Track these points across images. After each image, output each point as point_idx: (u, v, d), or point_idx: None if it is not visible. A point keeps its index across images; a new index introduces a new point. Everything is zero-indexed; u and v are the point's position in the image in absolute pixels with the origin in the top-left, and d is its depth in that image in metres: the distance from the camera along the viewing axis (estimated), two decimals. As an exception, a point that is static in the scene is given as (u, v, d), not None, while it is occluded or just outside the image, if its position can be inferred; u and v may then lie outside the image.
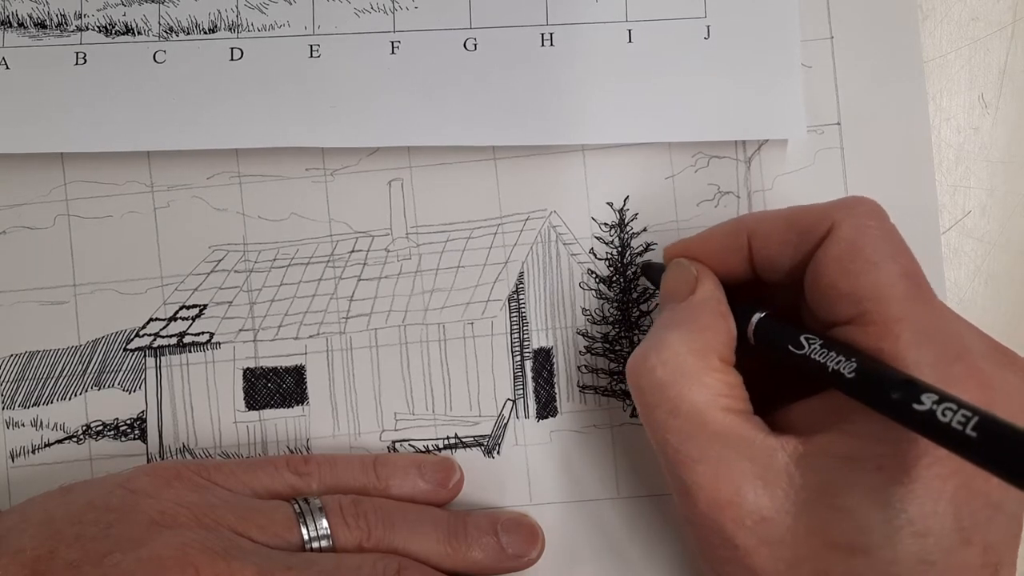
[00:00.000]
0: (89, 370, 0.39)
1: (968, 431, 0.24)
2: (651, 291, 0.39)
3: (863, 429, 0.28)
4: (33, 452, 0.39)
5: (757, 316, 0.32)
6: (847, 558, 0.28)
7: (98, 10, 0.39)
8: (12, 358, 0.39)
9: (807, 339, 0.30)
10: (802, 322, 0.33)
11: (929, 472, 0.27)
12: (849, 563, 0.28)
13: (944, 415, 0.25)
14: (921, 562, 0.27)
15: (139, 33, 0.39)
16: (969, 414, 0.24)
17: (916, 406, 0.26)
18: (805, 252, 0.32)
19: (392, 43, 0.39)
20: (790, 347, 0.30)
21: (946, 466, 0.27)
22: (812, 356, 0.29)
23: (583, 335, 0.39)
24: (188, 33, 0.39)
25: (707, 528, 0.30)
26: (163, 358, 0.39)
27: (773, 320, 0.32)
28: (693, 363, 0.30)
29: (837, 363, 0.29)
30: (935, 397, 0.25)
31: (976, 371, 0.28)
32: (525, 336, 0.39)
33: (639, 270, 0.39)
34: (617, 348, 0.39)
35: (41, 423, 0.39)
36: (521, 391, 0.39)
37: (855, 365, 0.28)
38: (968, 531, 0.27)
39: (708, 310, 0.32)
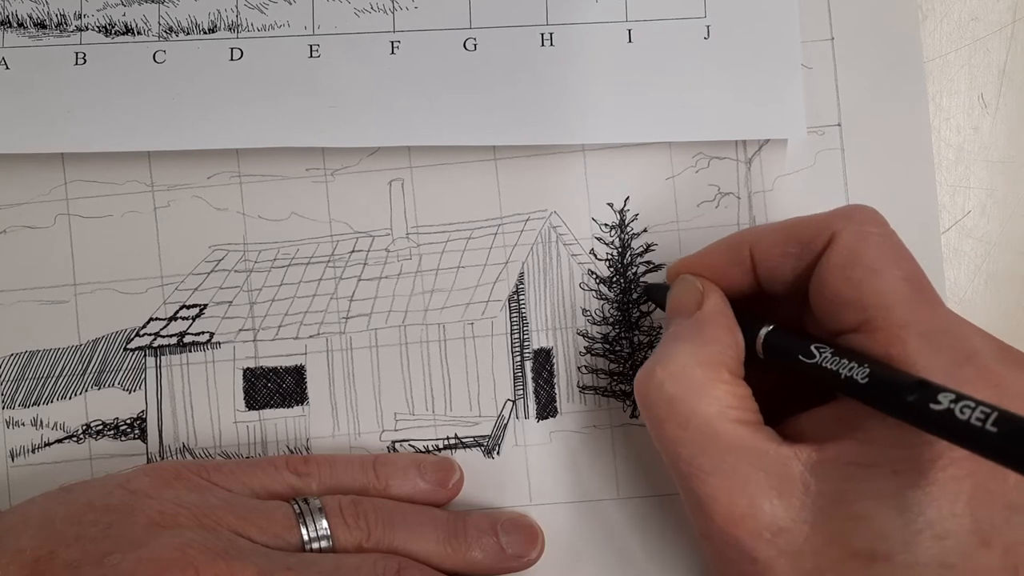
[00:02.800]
0: (89, 370, 0.39)
1: (988, 427, 0.24)
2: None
3: (876, 435, 0.28)
4: (33, 451, 0.39)
5: (765, 328, 0.32)
6: (868, 565, 0.28)
7: (98, 10, 0.39)
8: (12, 357, 0.39)
9: (817, 348, 0.30)
10: (806, 332, 0.33)
11: (945, 474, 0.27)
12: (870, 570, 0.28)
13: (962, 413, 0.25)
14: (941, 566, 0.27)
15: (139, 33, 0.39)
16: (988, 410, 0.24)
17: (933, 406, 0.26)
18: (807, 263, 0.32)
19: (392, 43, 0.39)
20: (800, 357, 0.30)
21: (962, 467, 0.27)
22: (823, 364, 0.29)
23: (583, 335, 0.39)
24: (188, 33, 0.39)
25: (724, 543, 0.29)
26: (163, 358, 0.39)
27: (781, 331, 0.32)
28: (702, 376, 0.30)
29: (849, 370, 0.28)
30: (952, 396, 0.25)
31: (987, 371, 0.28)
32: (525, 336, 0.39)
33: (642, 292, 0.39)
34: (617, 349, 0.39)
35: (41, 422, 0.39)
36: (521, 391, 0.39)
37: (868, 371, 0.28)
38: (987, 533, 0.27)
39: (715, 323, 0.32)
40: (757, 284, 0.34)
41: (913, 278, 0.30)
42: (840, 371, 0.29)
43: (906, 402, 0.26)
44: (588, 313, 0.39)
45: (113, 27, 0.39)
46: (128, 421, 0.39)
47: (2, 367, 0.39)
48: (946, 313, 0.30)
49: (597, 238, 0.39)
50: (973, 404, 0.25)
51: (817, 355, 0.30)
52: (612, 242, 0.39)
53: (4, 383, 0.39)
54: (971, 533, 0.27)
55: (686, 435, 0.30)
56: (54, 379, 0.39)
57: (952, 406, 0.25)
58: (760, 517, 0.29)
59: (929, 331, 0.29)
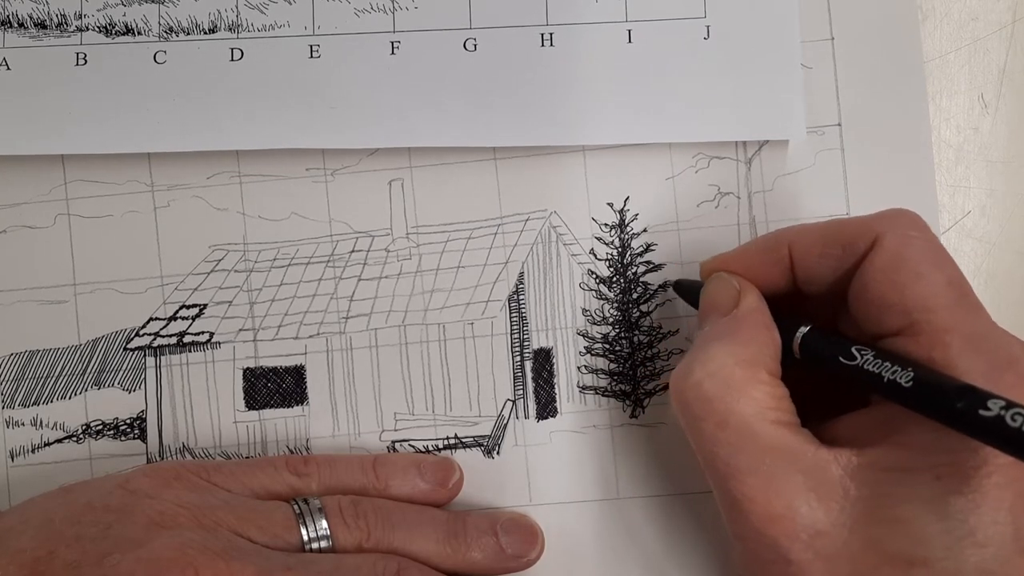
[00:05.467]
0: (89, 369, 0.39)
1: None
2: (652, 291, 0.39)
3: (918, 440, 0.28)
4: (33, 451, 0.39)
5: (802, 329, 0.32)
6: (906, 570, 0.28)
7: (98, 10, 0.39)
8: (12, 357, 0.39)
9: (859, 350, 0.30)
10: (842, 334, 0.33)
11: (988, 481, 0.27)
12: (908, 575, 0.28)
13: (1013, 420, 0.24)
14: (981, 572, 0.27)
15: (139, 33, 0.39)
16: None
17: (983, 412, 0.25)
18: (847, 265, 0.31)
19: (392, 43, 0.39)
20: (840, 358, 0.30)
21: (1005, 475, 0.27)
22: (865, 367, 0.29)
23: (583, 335, 0.39)
24: (188, 33, 0.39)
25: (759, 543, 0.29)
26: (163, 358, 0.39)
27: (819, 332, 0.32)
28: (741, 375, 0.30)
29: (893, 373, 0.28)
30: (1002, 403, 0.25)
31: None
32: (525, 336, 0.39)
33: (672, 288, 0.39)
34: (617, 349, 0.39)
35: (41, 422, 0.39)
36: (521, 391, 0.39)
37: (912, 374, 0.28)
38: None
39: (753, 322, 0.32)
40: (793, 284, 0.33)
41: (956, 283, 0.30)
42: (883, 374, 0.28)
43: (954, 407, 0.26)
44: (588, 313, 0.39)
45: (113, 27, 0.39)
46: (128, 421, 0.39)
47: (2, 367, 0.39)
48: (987, 319, 0.30)
49: (597, 238, 0.39)
50: None
51: (859, 357, 0.29)
52: (612, 242, 0.39)
53: (4, 383, 0.39)
54: (1012, 541, 0.27)
55: (724, 435, 0.30)
56: (54, 379, 0.39)
57: (1003, 413, 0.25)
58: (797, 519, 0.29)
59: (972, 336, 0.29)
